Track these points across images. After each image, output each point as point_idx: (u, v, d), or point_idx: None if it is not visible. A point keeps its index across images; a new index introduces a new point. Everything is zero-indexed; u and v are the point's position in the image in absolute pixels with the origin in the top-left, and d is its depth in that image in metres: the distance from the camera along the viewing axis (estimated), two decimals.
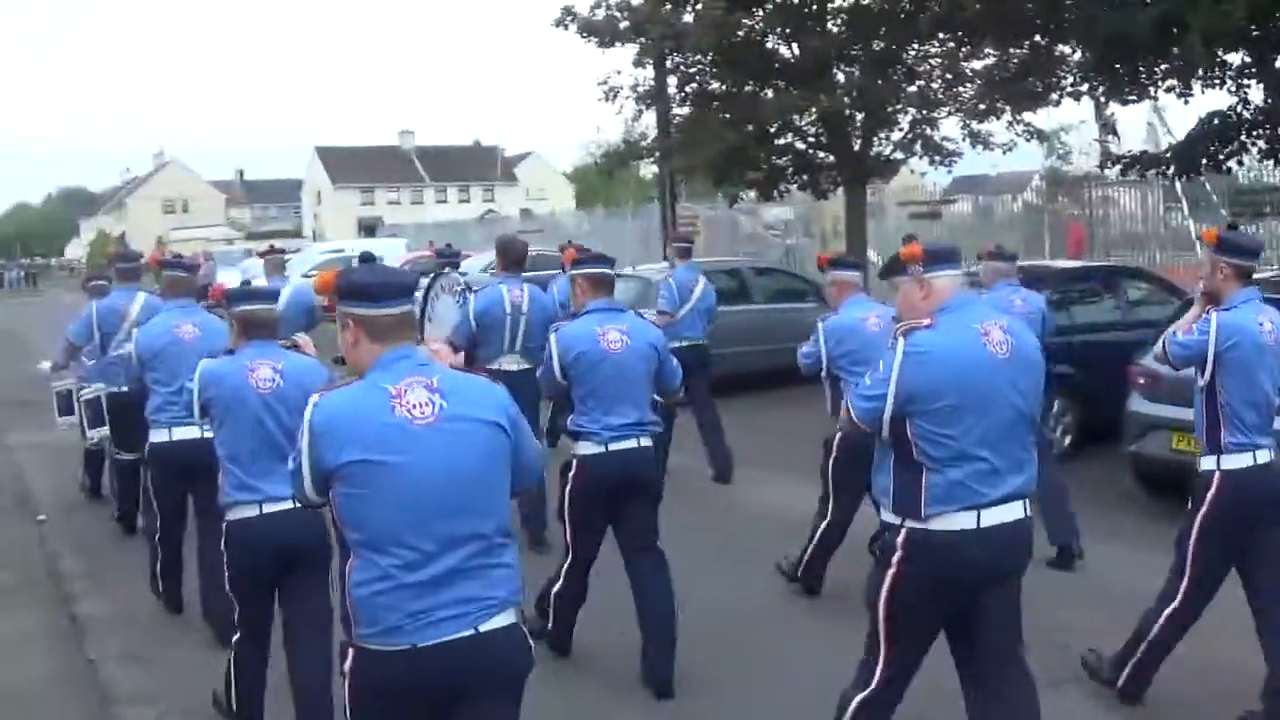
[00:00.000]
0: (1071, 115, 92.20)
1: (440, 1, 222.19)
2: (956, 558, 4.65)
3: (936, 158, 22.31)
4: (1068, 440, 12.55)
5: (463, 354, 8.51)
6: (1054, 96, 20.41)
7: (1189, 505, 6.02)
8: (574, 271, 7.15)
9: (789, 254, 29.81)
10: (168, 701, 6.96)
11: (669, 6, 21.44)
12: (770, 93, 21.94)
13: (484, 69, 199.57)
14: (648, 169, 36.21)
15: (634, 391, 6.72)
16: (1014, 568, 4.83)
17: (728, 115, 22.22)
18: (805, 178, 23.18)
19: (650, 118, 24.71)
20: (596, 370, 6.65)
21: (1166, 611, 6.04)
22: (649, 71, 23.50)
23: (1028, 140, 22.13)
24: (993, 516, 4.66)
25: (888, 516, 4.83)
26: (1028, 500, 4.79)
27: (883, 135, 22.34)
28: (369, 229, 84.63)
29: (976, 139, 21.95)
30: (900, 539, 4.73)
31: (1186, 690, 6.41)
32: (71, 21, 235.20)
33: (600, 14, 22.46)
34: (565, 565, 6.92)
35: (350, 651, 3.77)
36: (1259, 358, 5.86)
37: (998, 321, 4.79)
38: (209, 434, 6.08)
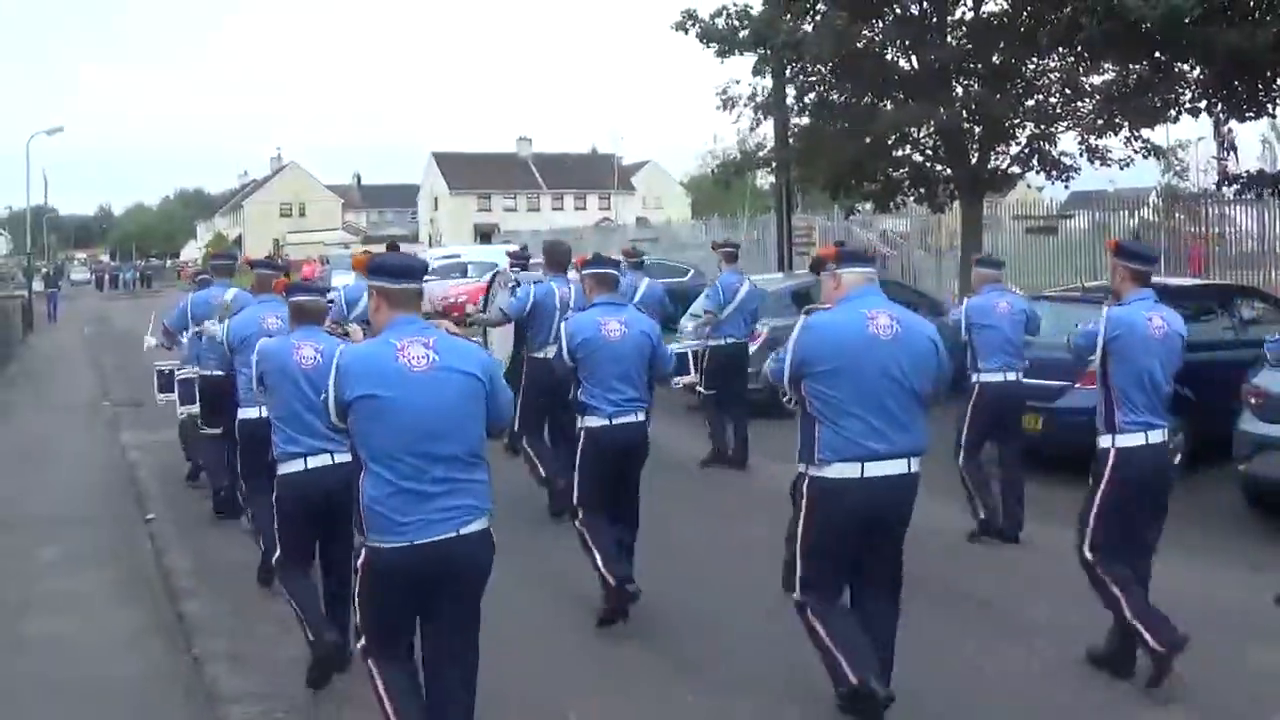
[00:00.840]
0: (1189, 132, 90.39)
1: (558, 7, 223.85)
2: (844, 501, 5.99)
3: (1053, 172, 22.03)
4: (1178, 458, 12.33)
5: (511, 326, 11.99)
6: (1172, 113, 20.07)
7: (1090, 481, 7.03)
8: (584, 272, 8.70)
9: (905, 267, 29.64)
10: (272, 701, 7.12)
11: (789, 16, 21.44)
12: (889, 104, 21.88)
13: (602, 76, 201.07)
14: (764, 179, 36.19)
15: (630, 373, 8.21)
16: (895, 515, 6.14)
17: (846, 126, 22.18)
18: (922, 190, 23.06)
19: (767, 127, 24.78)
20: (597, 355, 8.14)
21: (1106, 580, 6.90)
22: (767, 81, 23.54)
23: (1145, 157, 21.75)
24: (875, 469, 5.97)
25: (800, 466, 6.20)
26: (913, 459, 6.06)
27: (1000, 149, 22.13)
28: (485, 235, 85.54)
29: (1094, 154, 21.64)
30: (806, 484, 6.16)
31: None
32: (190, 23, 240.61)
33: (720, 22, 22.52)
34: (580, 518, 8.28)
35: (363, 551, 5.25)
36: (1145, 348, 6.94)
37: (889, 311, 6.14)
38: None
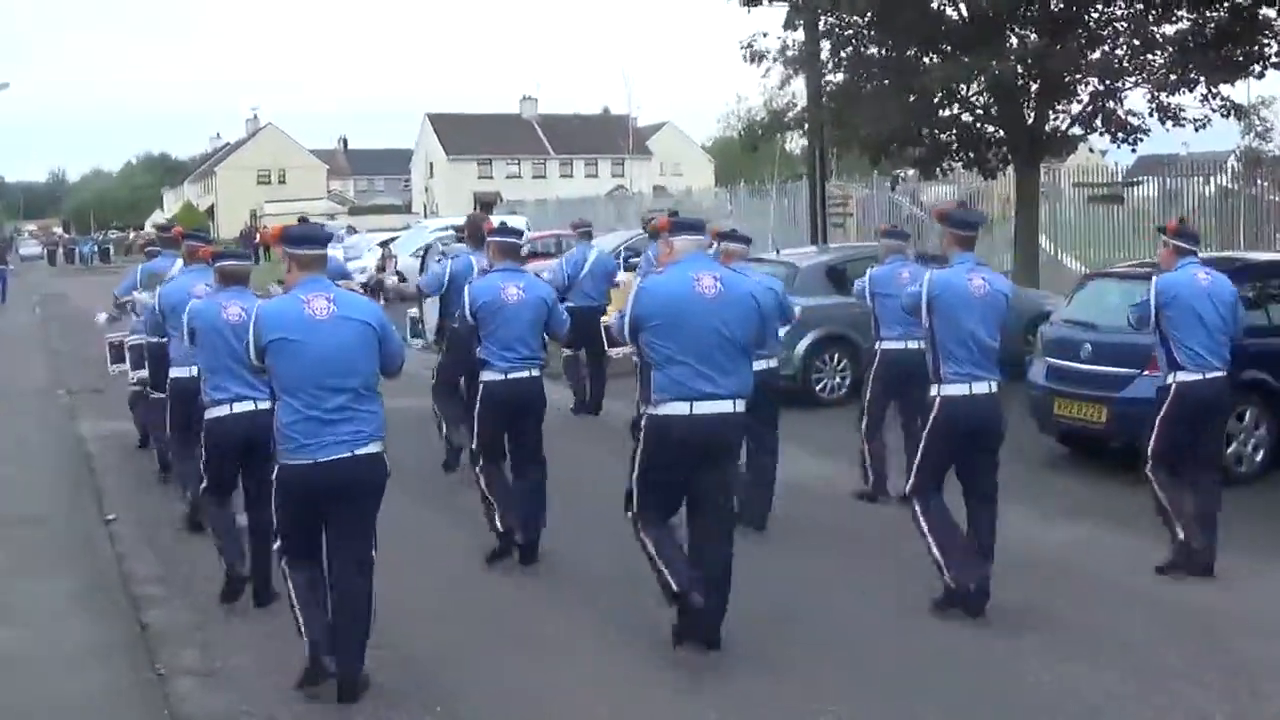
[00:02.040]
0: (1274, 88, 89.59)
1: None
2: (674, 435, 7.65)
3: (1119, 134, 21.89)
4: (1260, 455, 12.25)
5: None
6: (1255, 67, 19.93)
7: (919, 424, 8.83)
8: (489, 239, 10.51)
9: None
10: None
11: None
12: (934, 58, 21.76)
13: (614, 29, 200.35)
14: (795, 142, 36.09)
15: (525, 334, 9.95)
16: (721, 448, 7.77)
17: (886, 83, 22.07)
18: (971, 154, 22.95)
19: (799, 85, 24.68)
20: (497, 316, 9.90)
21: (919, 520, 8.61)
22: (799, 33, 23.44)
23: (1224, 116, 21.57)
24: (702, 408, 7.62)
25: (640, 407, 7.92)
26: (737, 400, 7.69)
27: (1059, 108, 22.02)
28: (486, 205, 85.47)
29: (1165, 113, 21.48)
30: (644, 421, 7.87)
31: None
32: None
33: None
34: (479, 465, 10.10)
35: (276, 467, 7.17)
36: (965, 307, 8.49)
37: (713, 273, 7.82)
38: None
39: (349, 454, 7.09)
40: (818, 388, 17.02)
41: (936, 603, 8.56)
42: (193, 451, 10.15)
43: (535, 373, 10.06)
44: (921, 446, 8.71)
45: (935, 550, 8.54)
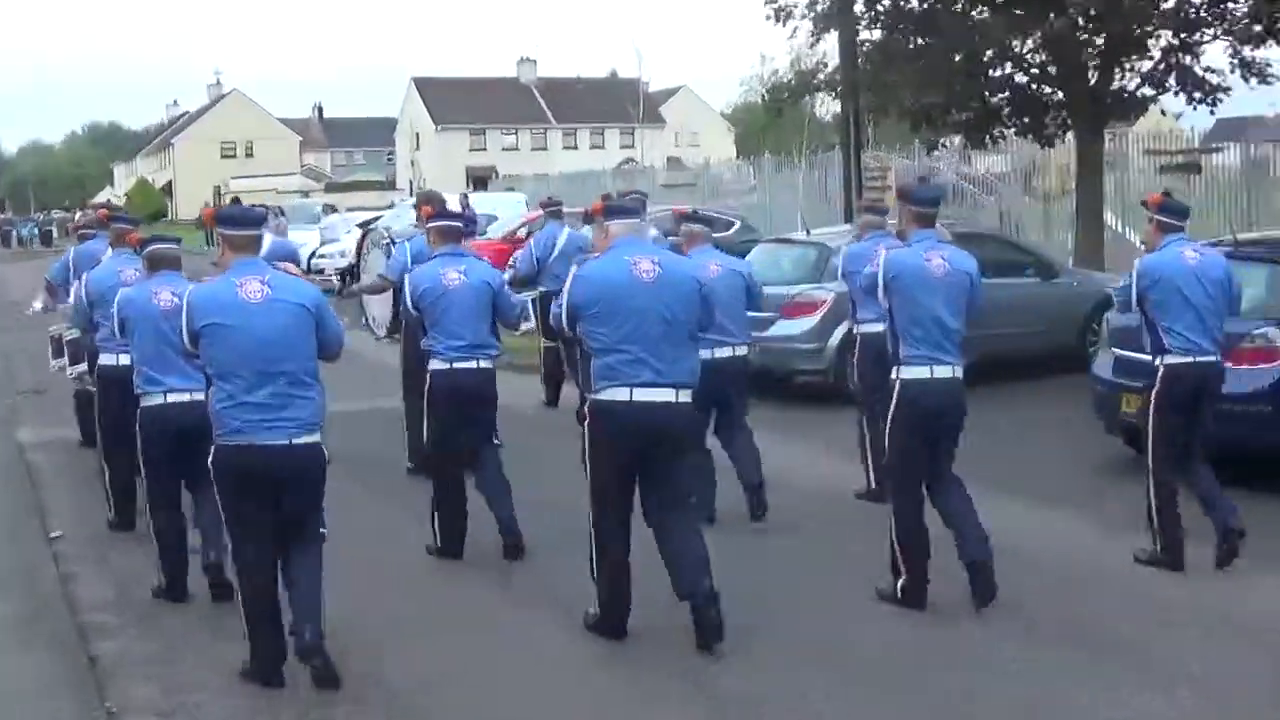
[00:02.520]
0: None
1: None
2: (616, 422, 8.29)
3: (1196, 94, 21.77)
4: None
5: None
6: None
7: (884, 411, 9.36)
8: (429, 225, 11.27)
9: (1004, 217, 29.47)
10: None
11: None
12: (984, 11, 21.68)
13: None
14: (826, 108, 35.99)
15: (470, 320, 10.51)
16: (664, 437, 8.31)
17: (929, 40, 22.01)
18: (1026, 119, 22.89)
19: (831, 43, 24.67)
20: (439, 303, 10.50)
21: (892, 515, 9.21)
22: None
23: None
24: (642, 395, 8.21)
25: (586, 394, 8.68)
26: (681, 389, 8.32)
27: (1127, 65, 21.92)
28: (480, 180, 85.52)
29: (1249, 69, 21.37)
30: (588, 408, 8.60)
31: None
32: None
33: None
34: (432, 452, 10.93)
35: (213, 449, 7.82)
36: (924, 287, 8.94)
37: (651, 256, 8.41)
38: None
39: (286, 442, 7.73)
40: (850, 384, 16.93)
41: (883, 594, 9.23)
42: (123, 447, 10.75)
43: (485, 363, 10.63)
44: (888, 442, 9.23)
45: (899, 548, 9.15)
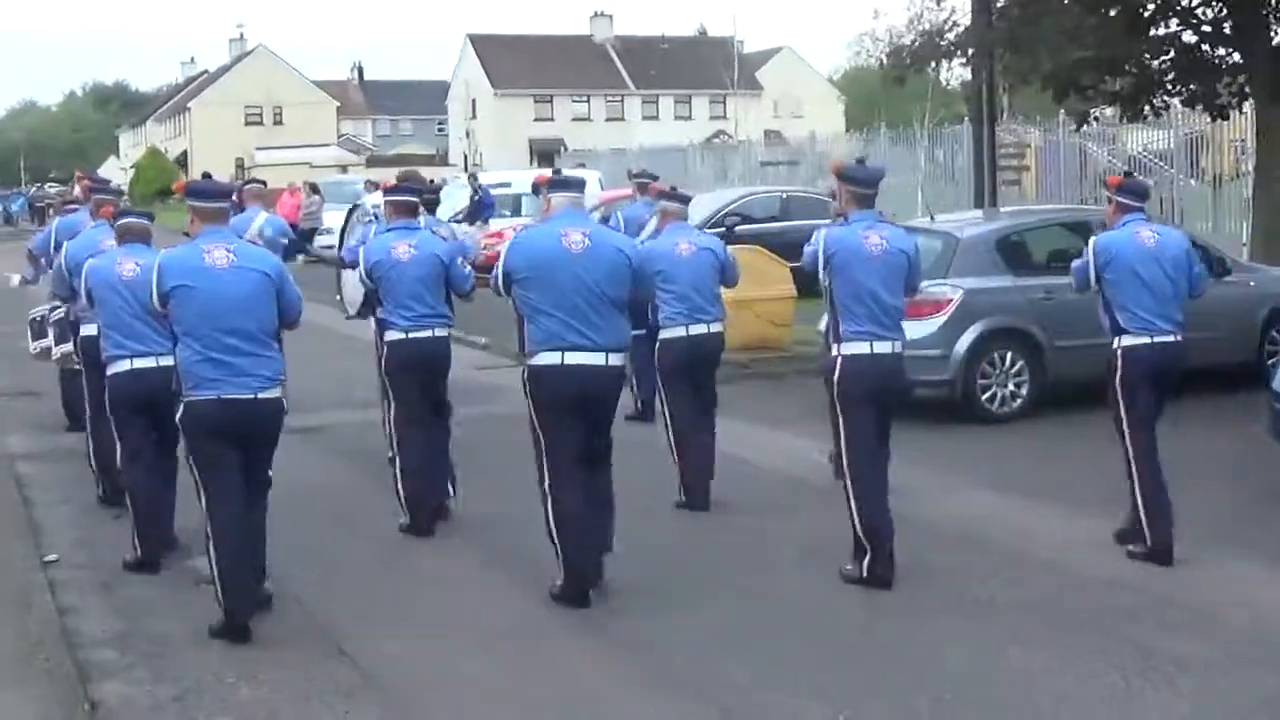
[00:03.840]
0: None
1: None
2: (550, 384, 10.14)
3: None
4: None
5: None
6: None
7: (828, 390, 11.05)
8: (386, 199, 13.23)
9: (1164, 204, 29.20)
10: None
11: None
12: None
13: None
14: (953, 74, 35.84)
15: (422, 292, 12.43)
16: (595, 397, 10.22)
17: None
18: (1193, 87, 22.66)
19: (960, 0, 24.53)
20: (390, 275, 12.43)
21: (846, 484, 10.72)
22: None
23: None
24: (574, 358, 10.05)
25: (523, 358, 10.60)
26: (611, 354, 10.15)
27: None
28: (545, 155, 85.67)
29: None
30: (525, 371, 10.36)
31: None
32: None
33: None
34: (394, 422, 12.77)
35: (182, 405, 9.60)
36: (862, 264, 10.52)
37: (583, 229, 10.29)
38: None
39: (251, 396, 9.61)
40: (984, 398, 16.77)
41: (847, 576, 10.70)
42: (108, 419, 12.12)
43: (440, 331, 12.67)
44: (838, 419, 10.81)
45: (861, 531, 10.63)
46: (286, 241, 19.49)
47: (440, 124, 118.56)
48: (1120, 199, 11.48)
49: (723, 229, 24.97)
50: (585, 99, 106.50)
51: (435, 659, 9.40)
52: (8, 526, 13.25)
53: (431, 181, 17.71)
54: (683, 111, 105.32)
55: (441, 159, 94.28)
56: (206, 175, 11.06)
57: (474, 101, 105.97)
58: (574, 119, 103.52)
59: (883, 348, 10.59)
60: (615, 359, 10.26)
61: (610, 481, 10.69)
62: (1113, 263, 11.19)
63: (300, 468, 13.99)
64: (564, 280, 10.05)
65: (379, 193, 18.24)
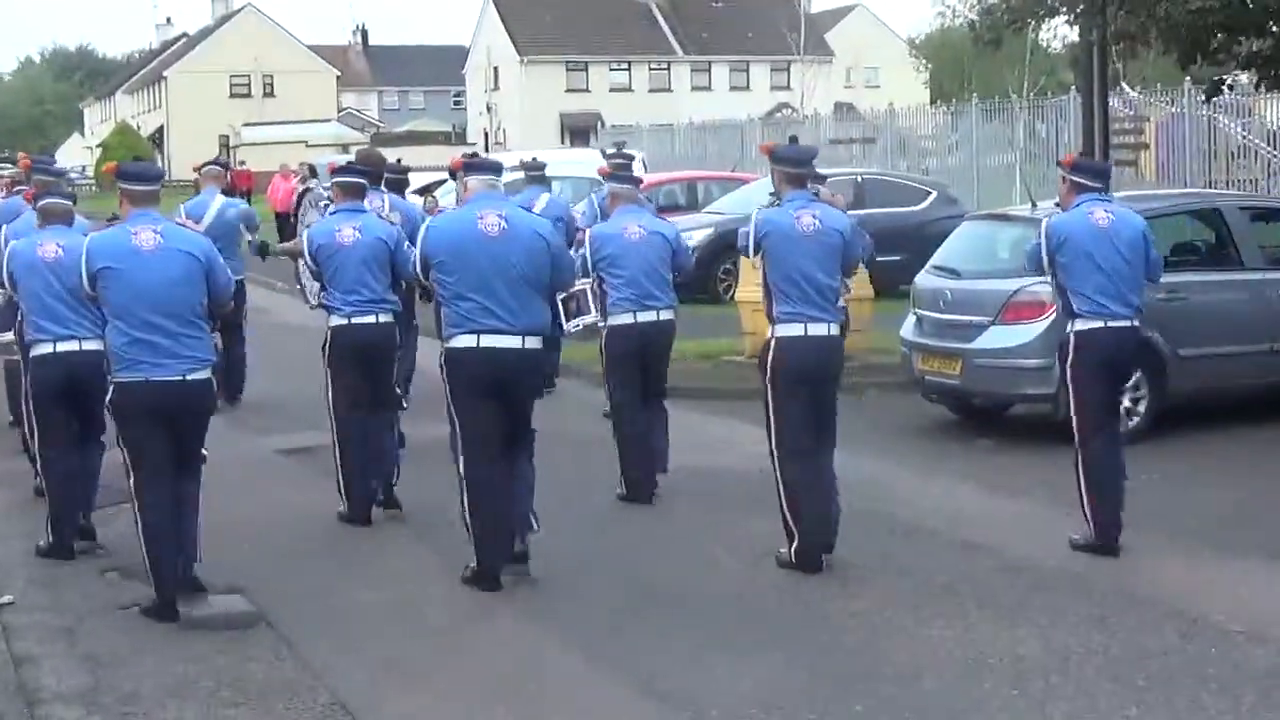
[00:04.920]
0: None
1: None
2: (466, 367, 11.53)
3: None
4: None
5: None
6: None
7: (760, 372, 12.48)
8: (333, 180, 14.62)
9: None
10: None
11: None
12: None
13: None
14: (1056, 35, 35.78)
15: (366, 277, 13.75)
16: (513, 379, 11.62)
17: None
18: None
19: None
20: (334, 259, 13.77)
21: (775, 469, 12.19)
22: None
23: None
24: (489, 340, 11.40)
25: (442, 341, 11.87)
26: (527, 336, 11.52)
27: None
28: (579, 131, 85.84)
29: None
30: (442, 356, 11.71)
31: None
32: None
33: None
34: (334, 409, 14.12)
35: (112, 386, 11.15)
36: (793, 246, 11.91)
37: (499, 211, 11.59)
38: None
39: (180, 378, 11.05)
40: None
41: (781, 561, 12.17)
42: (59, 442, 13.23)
43: (384, 317, 14.01)
44: (768, 400, 12.17)
45: (788, 514, 12.08)
46: (249, 230, 21.17)
47: (457, 96, 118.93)
48: (1074, 178, 12.70)
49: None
50: (626, 67, 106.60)
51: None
52: None
53: (399, 161, 20.35)
54: (739, 81, 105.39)
55: (458, 136, 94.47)
56: (137, 158, 12.89)
57: (496, 70, 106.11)
58: (613, 90, 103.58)
59: (817, 330, 11.95)
60: (531, 342, 11.67)
61: (531, 464, 12.12)
62: (1065, 245, 12.42)
63: (291, 495, 15.03)
64: (481, 263, 11.46)
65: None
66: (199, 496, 11.59)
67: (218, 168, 22.60)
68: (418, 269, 11.93)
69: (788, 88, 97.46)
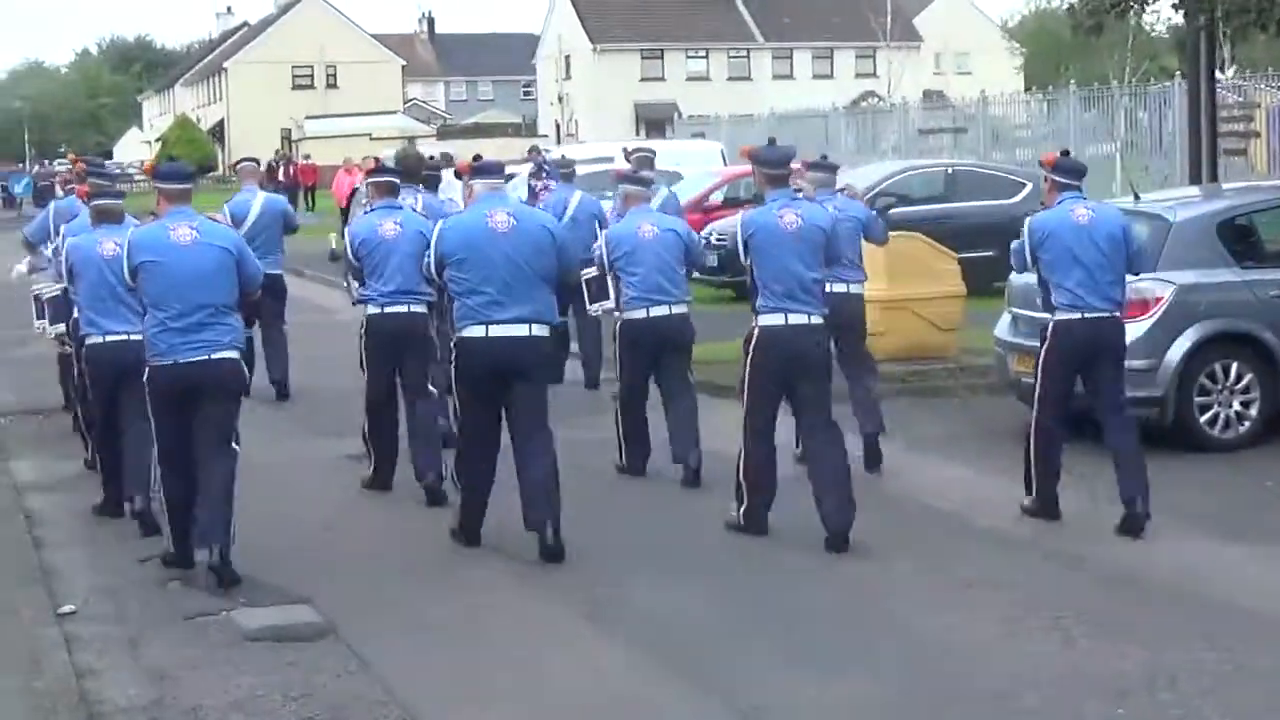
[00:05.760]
0: None
1: None
2: (475, 356, 12.95)
3: None
4: None
5: None
6: None
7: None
8: (368, 180, 16.52)
9: None
10: None
11: None
12: None
13: None
14: (1159, 19, 35.58)
15: (404, 268, 14.98)
16: (519, 368, 12.93)
17: None
18: None
19: None
20: (375, 253, 15.24)
21: (742, 439, 13.56)
22: None
23: None
24: (498, 330, 12.78)
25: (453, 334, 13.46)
26: (534, 324, 12.91)
27: None
28: (654, 123, 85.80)
29: None
30: (454, 344, 13.20)
31: None
32: None
33: None
34: (366, 395, 15.73)
35: (146, 369, 12.70)
36: (778, 242, 13.15)
37: (507, 209, 13.12)
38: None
39: (206, 357, 12.38)
40: (1203, 420, 16.44)
41: (729, 524, 13.76)
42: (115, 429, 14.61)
43: (417, 307, 15.46)
44: (744, 379, 13.57)
45: (743, 480, 13.63)
46: (288, 228, 22.33)
47: (527, 86, 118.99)
48: (1055, 177, 13.97)
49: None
50: (703, 55, 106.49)
51: None
52: (15, 571, 13.31)
53: (431, 158, 21.88)
54: (823, 69, 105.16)
55: (528, 128, 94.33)
56: (171, 158, 14.49)
57: (568, 59, 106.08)
58: (690, 79, 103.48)
59: (797, 319, 13.24)
60: (538, 329, 13.10)
61: (549, 448, 13.15)
62: (1047, 241, 13.66)
63: (360, 502, 15.45)
64: (494, 257, 12.89)
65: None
66: (231, 484, 12.50)
67: (253, 163, 24.13)
68: (432, 268, 13.34)
69: (873, 75, 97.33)
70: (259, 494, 14.09)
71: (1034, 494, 13.90)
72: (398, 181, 16.25)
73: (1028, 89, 62.39)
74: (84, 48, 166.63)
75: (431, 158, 21.75)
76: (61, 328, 16.14)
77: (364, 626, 11.34)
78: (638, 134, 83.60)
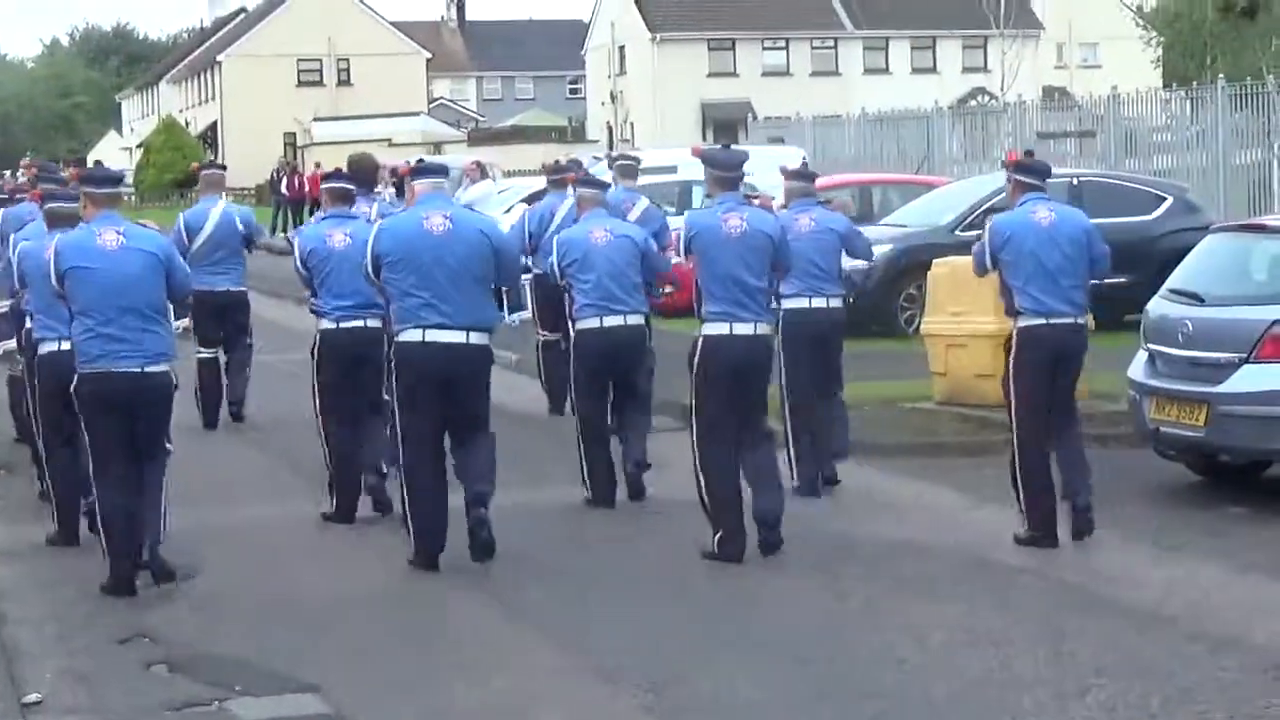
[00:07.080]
0: None
1: None
2: (412, 362, 14.98)
3: None
4: None
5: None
6: None
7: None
8: (323, 186, 18.47)
9: None
10: None
11: None
12: None
13: None
14: None
15: (355, 281, 16.20)
16: (457, 374, 14.95)
17: None
18: None
19: None
20: (323, 264, 16.99)
21: (695, 463, 15.13)
22: None
23: None
24: (435, 336, 14.76)
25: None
26: (471, 331, 14.83)
27: None
28: (725, 125, 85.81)
29: None
30: (392, 349, 15.39)
31: None
32: None
33: None
34: (320, 420, 17.49)
35: (76, 376, 14.61)
36: (722, 247, 14.86)
37: (444, 211, 15.05)
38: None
39: (139, 370, 14.07)
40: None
41: (705, 552, 15.03)
42: (62, 443, 16.09)
43: (372, 322, 16.89)
44: (694, 387, 15.17)
45: (708, 504, 15.09)
46: (253, 240, 24.63)
47: (574, 83, 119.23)
48: (1019, 177, 15.71)
49: (980, 231, 24.85)
50: (783, 45, 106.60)
51: None
52: None
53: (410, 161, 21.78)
54: (924, 62, 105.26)
55: (575, 132, 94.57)
56: (98, 163, 16.95)
57: (623, 50, 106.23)
58: (766, 74, 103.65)
59: (743, 329, 14.95)
60: (476, 337, 14.88)
61: (488, 457, 15.01)
62: (1008, 244, 15.27)
63: (356, 569, 15.80)
64: (427, 260, 14.62)
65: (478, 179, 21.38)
66: (162, 482, 14.53)
67: (220, 171, 26.56)
68: (369, 269, 15.01)
69: (984, 69, 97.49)
70: (254, 560, 15.59)
71: (1029, 521, 15.20)
72: (352, 189, 17.92)
73: (1166, 85, 62.51)
74: (53, 38, 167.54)
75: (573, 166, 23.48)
76: (11, 343, 18.16)
77: (378, 717, 11.35)
78: (705, 138, 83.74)
